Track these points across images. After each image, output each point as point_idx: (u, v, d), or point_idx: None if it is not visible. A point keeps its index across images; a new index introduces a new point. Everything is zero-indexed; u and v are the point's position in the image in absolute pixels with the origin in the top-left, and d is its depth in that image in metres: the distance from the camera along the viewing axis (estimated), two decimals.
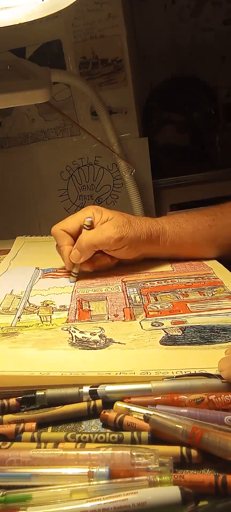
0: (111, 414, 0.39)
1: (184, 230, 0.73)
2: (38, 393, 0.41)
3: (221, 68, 1.46)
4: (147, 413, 0.37)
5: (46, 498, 0.32)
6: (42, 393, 0.41)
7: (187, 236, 0.73)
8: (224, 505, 0.30)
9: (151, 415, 0.36)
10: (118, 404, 0.40)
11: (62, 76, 1.05)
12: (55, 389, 0.42)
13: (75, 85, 1.04)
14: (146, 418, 0.36)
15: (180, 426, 0.35)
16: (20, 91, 0.82)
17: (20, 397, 0.41)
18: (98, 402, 0.40)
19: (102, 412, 0.39)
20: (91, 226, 0.70)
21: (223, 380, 0.40)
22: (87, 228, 0.70)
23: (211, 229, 0.73)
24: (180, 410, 0.38)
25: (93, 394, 0.41)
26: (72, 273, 0.70)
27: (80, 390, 0.41)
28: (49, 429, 0.39)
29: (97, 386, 0.41)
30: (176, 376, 0.41)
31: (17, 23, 0.64)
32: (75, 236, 0.71)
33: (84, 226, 0.70)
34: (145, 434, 0.36)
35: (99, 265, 0.72)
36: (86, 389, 0.41)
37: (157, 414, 0.36)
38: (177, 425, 0.35)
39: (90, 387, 0.41)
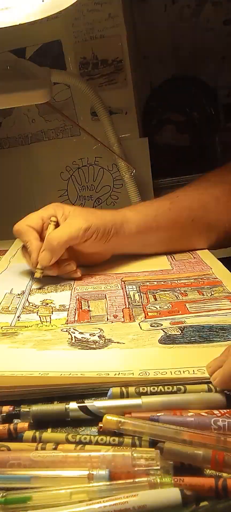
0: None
1: (147, 216, 0.76)
2: (23, 409, 0.40)
3: (221, 68, 1.46)
4: (159, 444, 0.34)
5: (46, 500, 0.32)
6: (28, 409, 0.40)
7: (151, 220, 0.75)
8: (225, 505, 0.30)
9: (164, 443, 0.34)
10: (108, 417, 0.37)
11: (62, 76, 1.05)
12: (40, 404, 0.40)
13: (76, 85, 1.05)
14: (160, 449, 0.34)
15: (200, 452, 0.33)
16: (20, 91, 0.82)
17: (4, 414, 0.39)
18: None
19: (99, 428, 0.38)
20: (57, 223, 0.70)
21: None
22: (54, 223, 0.70)
23: (170, 211, 0.76)
24: (186, 419, 0.37)
25: (82, 410, 0.39)
26: (37, 269, 0.68)
27: (67, 406, 0.39)
28: (49, 429, 0.39)
29: (83, 402, 0.39)
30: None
31: (18, 23, 0.64)
32: (39, 233, 0.70)
33: (50, 222, 0.70)
34: (145, 438, 0.36)
35: (63, 270, 0.70)
36: (73, 405, 0.39)
37: (170, 442, 0.34)
38: (195, 451, 0.33)
39: (77, 403, 0.39)
